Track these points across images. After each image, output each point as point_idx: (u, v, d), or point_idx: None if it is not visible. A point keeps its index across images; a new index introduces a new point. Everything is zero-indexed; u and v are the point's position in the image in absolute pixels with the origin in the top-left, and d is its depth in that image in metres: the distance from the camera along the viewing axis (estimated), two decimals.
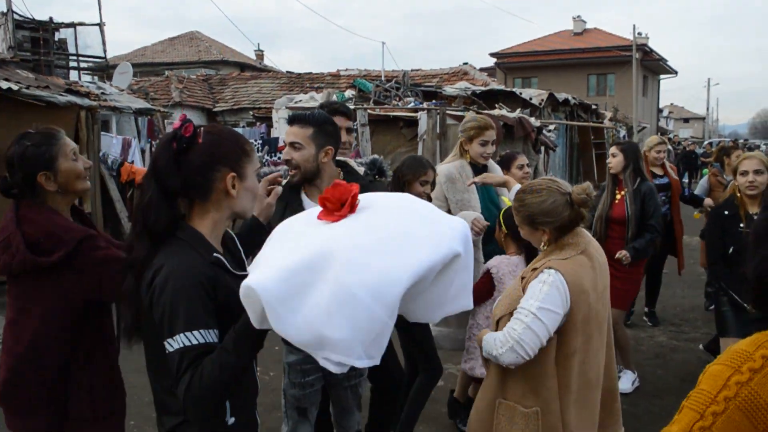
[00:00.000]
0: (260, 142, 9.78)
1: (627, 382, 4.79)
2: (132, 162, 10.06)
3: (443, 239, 1.52)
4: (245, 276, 1.71)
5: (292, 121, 2.77)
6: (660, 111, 46.93)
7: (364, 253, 1.44)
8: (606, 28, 53.29)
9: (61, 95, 8.46)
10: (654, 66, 37.95)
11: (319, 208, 1.65)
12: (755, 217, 3.80)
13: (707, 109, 57.32)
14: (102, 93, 12.31)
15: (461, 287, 1.60)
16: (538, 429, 2.27)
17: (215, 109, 20.81)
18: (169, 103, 18.81)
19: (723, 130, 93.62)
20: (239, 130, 14.75)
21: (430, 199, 3.65)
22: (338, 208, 1.57)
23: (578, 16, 39.09)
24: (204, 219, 1.80)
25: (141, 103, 13.08)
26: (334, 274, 1.41)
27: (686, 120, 68.67)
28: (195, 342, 1.62)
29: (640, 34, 33.88)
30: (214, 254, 1.76)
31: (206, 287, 1.67)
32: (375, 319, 1.41)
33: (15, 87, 7.80)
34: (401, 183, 3.60)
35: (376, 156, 3.56)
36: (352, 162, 3.24)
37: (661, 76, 41.49)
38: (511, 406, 2.33)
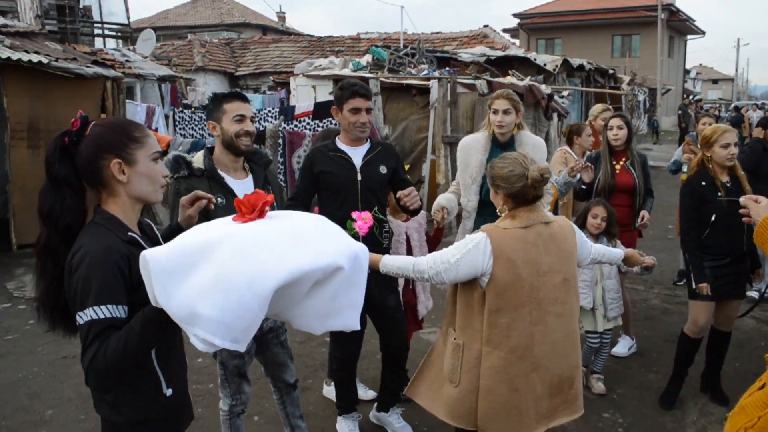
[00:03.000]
0: (277, 109, 10.06)
1: (624, 347, 5.13)
2: (156, 129, 10.46)
3: (329, 252, 1.63)
4: None
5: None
6: (687, 72, 46.11)
7: (251, 246, 1.56)
8: None
9: (88, 67, 8.83)
10: (680, 26, 37.21)
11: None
12: (728, 185, 4.04)
13: (736, 69, 56.07)
14: (126, 60, 12.69)
15: (348, 304, 1.72)
16: (460, 359, 2.69)
17: (237, 73, 21.05)
18: (192, 68, 19.12)
19: (754, 91, 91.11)
20: (257, 96, 15.06)
21: None
22: (250, 212, 1.72)
23: None
24: (110, 204, 1.93)
25: (164, 70, 13.43)
26: (219, 258, 1.53)
27: (715, 81, 67.23)
28: (102, 316, 1.73)
29: None
30: (129, 233, 1.90)
31: (120, 265, 1.79)
32: (245, 305, 1.51)
33: (45, 60, 8.16)
34: None
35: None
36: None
37: (688, 37, 40.70)
38: (451, 334, 2.78)
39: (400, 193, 3.42)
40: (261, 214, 1.72)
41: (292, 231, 1.66)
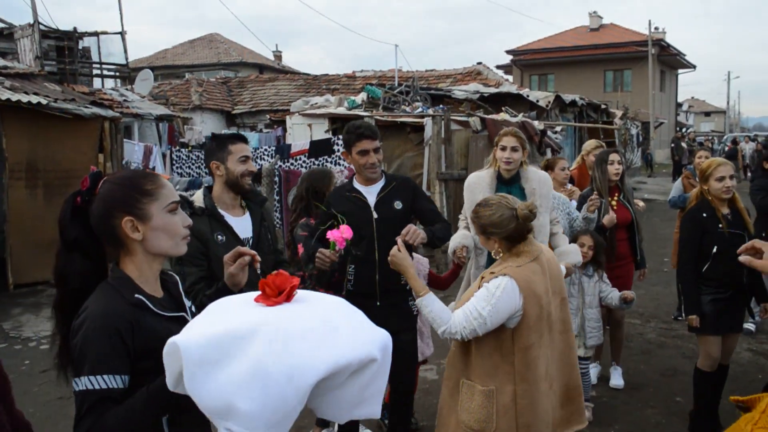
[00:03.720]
0: (273, 148, 10.17)
1: (618, 377, 5.16)
2: (153, 168, 10.55)
3: (365, 342, 1.60)
4: (177, 317, 1.87)
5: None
6: (679, 105, 46.65)
7: (288, 337, 1.50)
8: (623, 23, 52.91)
9: (86, 107, 8.95)
10: (671, 61, 37.79)
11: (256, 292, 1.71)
12: (729, 217, 4.09)
13: (728, 102, 56.76)
14: (124, 100, 12.85)
15: (376, 392, 1.65)
16: (494, 406, 2.66)
17: (234, 112, 21.25)
18: (189, 107, 19.31)
19: (747, 123, 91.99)
20: (253, 134, 15.21)
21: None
22: (275, 294, 1.64)
23: (594, 12, 38.93)
24: (127, 263, 1.85)
25: (161, 110, 13.58)
26: (255, 350, 1.47)
27: (707, 114, 67.98)
28: (97, 387, 1.65)
29: (657, 28, 33.84)
30: (136, 295, 1.79)
31: (121, 330, 1.70)
32: (285, 400, 1.46)
33: (44, 101, 8.30)
34: (319, 194, 4.20)
35: None
36: None
37: (680, 71, 41.28)
38: (472, 385, 2.74)
39: (400, 235, 3.34)
40: (288, 299, 1.65)
41: (323, 320, 1.60)
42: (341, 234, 3.28)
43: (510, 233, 2.72)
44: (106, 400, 1.66)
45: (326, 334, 1.55)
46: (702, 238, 4.11)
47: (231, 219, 3.14)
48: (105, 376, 1.67)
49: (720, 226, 4.06)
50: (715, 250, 4.06)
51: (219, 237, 3.01)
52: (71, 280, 1.82)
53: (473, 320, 2.61)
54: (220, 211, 3.11)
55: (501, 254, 2.81)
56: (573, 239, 4.54)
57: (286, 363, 1.46)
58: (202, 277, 2.95)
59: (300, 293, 1.71)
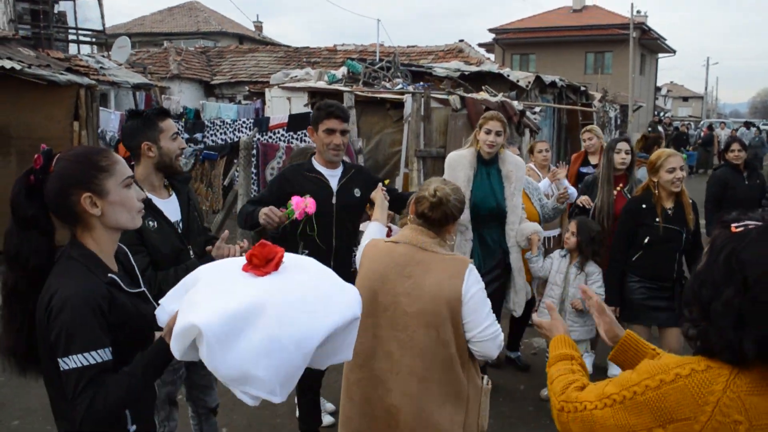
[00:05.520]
0: (252, 120, 10.09)
1: (615, 369, 5.20)
2: None
3: (349, 304, 1.84)
4: (139, 293, 1.98)
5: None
6: (658, 89, 46.97)
7: (292, 310, 1.69)
8: (605, 5, 53.13)
9: (62, 74, 8.79)
10: (652, 45, 37.96)
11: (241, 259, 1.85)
12: (669, 212, 4.12)
13: (705, 88, 57.29)
14: (101, 67, 12.62)
15: (351, 341, 1.89)
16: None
17: (213, 82, 21.00)
18: (167, 76, 19.03)
19: (723, 109, 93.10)
20: (232, 106, 15.07)
21: None
22: (264, 264, 1.78)
23: None
24: (86, 238, 1.87)
25: (139, 78, 13.37)
26: (265, 324, 1.65)
27: (685, 99, 68.53)
28: (93, 362, 1.71)
29: (638, 12, 33.88)
30: (109, 275, 1.85)
31: (102, 307, 1.77)
32: (294, 364, 1.67)
33: (18, 66, 8.12)
34: None
35: None
36: None
37: (660, 55, 41.49)
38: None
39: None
40: (276, 267, 1.79)
41: (315, 287, 1.81)
42: (305, 205, 3.17)
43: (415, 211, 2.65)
44: (103, 372, 1.73)
45: (322, 302, 1.76)
46: (637, 229, 4.18)
47: (159, 202, 2.90)
48: (99, 351, 1.74)
49: (657, 220, 4.11)
50: (646, 241, 4.13)
51: (150, 223, 2.79)
52: (29, 260, 1.81)
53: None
54: (148, 195, 2.81)
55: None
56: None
57: (293, 334, 1.66)
58: (150, 263, 2.77)
59: (289, 260, 1.86)
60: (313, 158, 3.67)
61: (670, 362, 1.51)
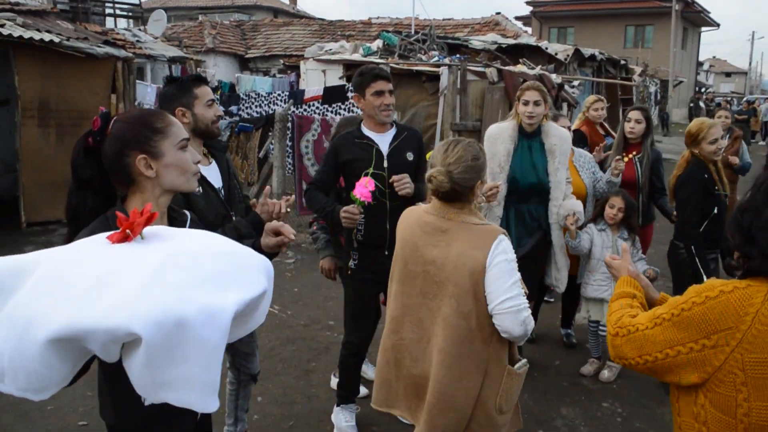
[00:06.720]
0: (287, 93, 10.06)
1: None
2: None
3: (256, 279, 1.56)
4: None
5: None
6: (700, 65, 45.73)
7: (195, 289, 1.41)
8: None
9: (99, 47, 8.84)
10: (695, 18, 36.86)
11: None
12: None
13: (750, 63, 55.58)
14: (137, 41, 12.70)
15: (263, 312, 1.65)
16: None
17: (247, 56, 21.04)
18: (202, 49, 19.13)
19: (767, 85, 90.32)
20: (267, 79, 15.08)
21: None
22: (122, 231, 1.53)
23: None
24: (134, 201, 1.87)
25: (174, 51, 13.44)
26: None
27: (728, 74, 66.59)
28: None
29: None
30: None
31: None
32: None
33: (57, 39, 8.18)
34: None
35: None
36: None
37: (703, 29, 40.31)
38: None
39: (393, 178, 3.37)
40: (127, 237, 1.51)
41: (208, 260, 1.49)
42: (365, 187, 3.18)
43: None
44: None
45: (224, 278, 1.47)
46: (705, 200, 4.08)
47: (202, 169, 2.81)
48: None
49: (716, 188, 4.08)
50: (716, 211, 4.07)
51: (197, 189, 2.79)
52: (84, 219, 1.87)
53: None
54: None
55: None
56: (605, 200, 4.50)
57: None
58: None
59: (161, 232, 1.60)
60: (362, 124, 3.59)
61: (715, 283, 1.71)
